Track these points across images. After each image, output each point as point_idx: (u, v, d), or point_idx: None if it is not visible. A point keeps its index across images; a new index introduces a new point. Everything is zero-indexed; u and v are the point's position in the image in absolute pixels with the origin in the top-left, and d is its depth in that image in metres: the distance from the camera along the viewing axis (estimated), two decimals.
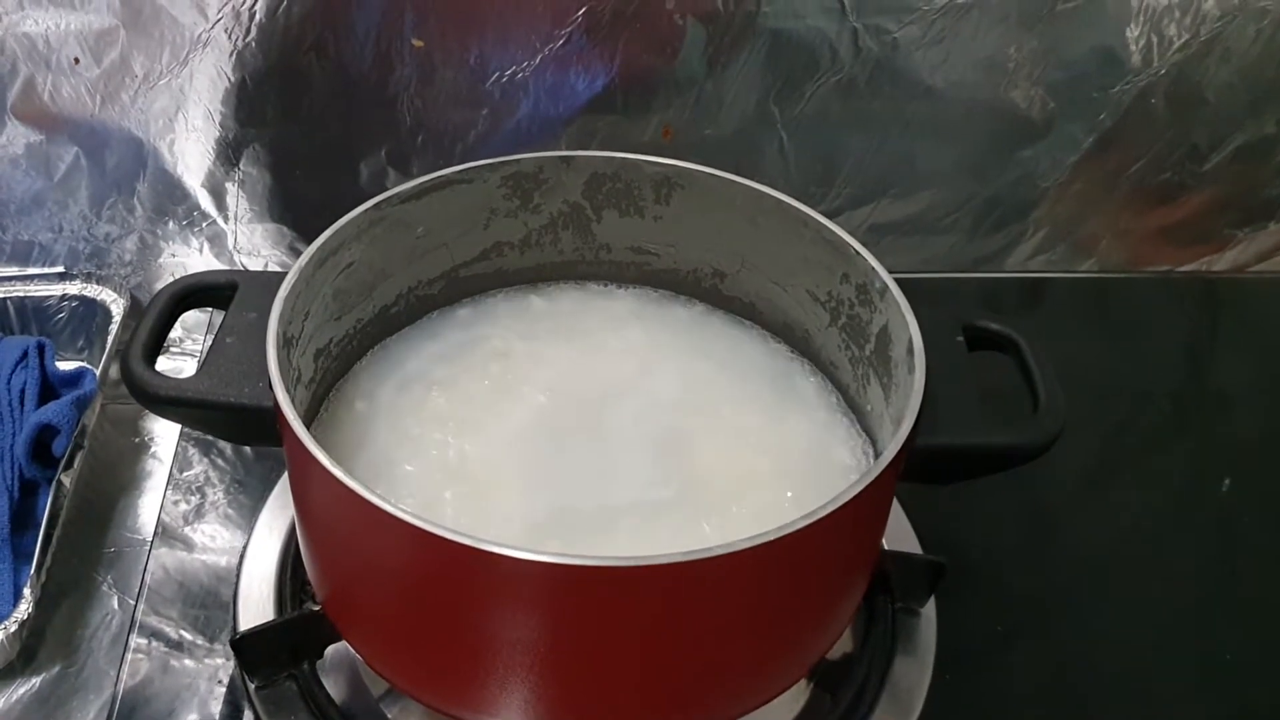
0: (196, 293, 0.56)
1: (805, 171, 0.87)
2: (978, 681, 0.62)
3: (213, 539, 0.68)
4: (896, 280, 0.54)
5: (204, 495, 0.71)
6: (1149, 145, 0.89)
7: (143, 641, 0.62)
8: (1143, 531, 0.72)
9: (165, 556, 0.67)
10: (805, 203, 0.58)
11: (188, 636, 0.63)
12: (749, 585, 0.45)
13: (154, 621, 0.63)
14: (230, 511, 0.70)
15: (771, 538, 0.42)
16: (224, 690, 0.60)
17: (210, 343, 0.53)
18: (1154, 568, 0.70)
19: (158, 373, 0.51)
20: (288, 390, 0.46)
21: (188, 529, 0.69)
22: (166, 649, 0.62)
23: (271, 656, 0.55)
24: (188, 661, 0.61)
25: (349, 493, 0.42)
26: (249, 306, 0.54)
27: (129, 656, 0.61)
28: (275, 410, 0.46)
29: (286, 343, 0.51)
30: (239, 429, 0.53)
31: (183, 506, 0.70)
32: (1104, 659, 0.64)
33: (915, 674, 0.59)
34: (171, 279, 0.56)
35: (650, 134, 0.84)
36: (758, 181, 0.59)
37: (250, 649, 0.54)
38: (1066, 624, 0.66)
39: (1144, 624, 0.66)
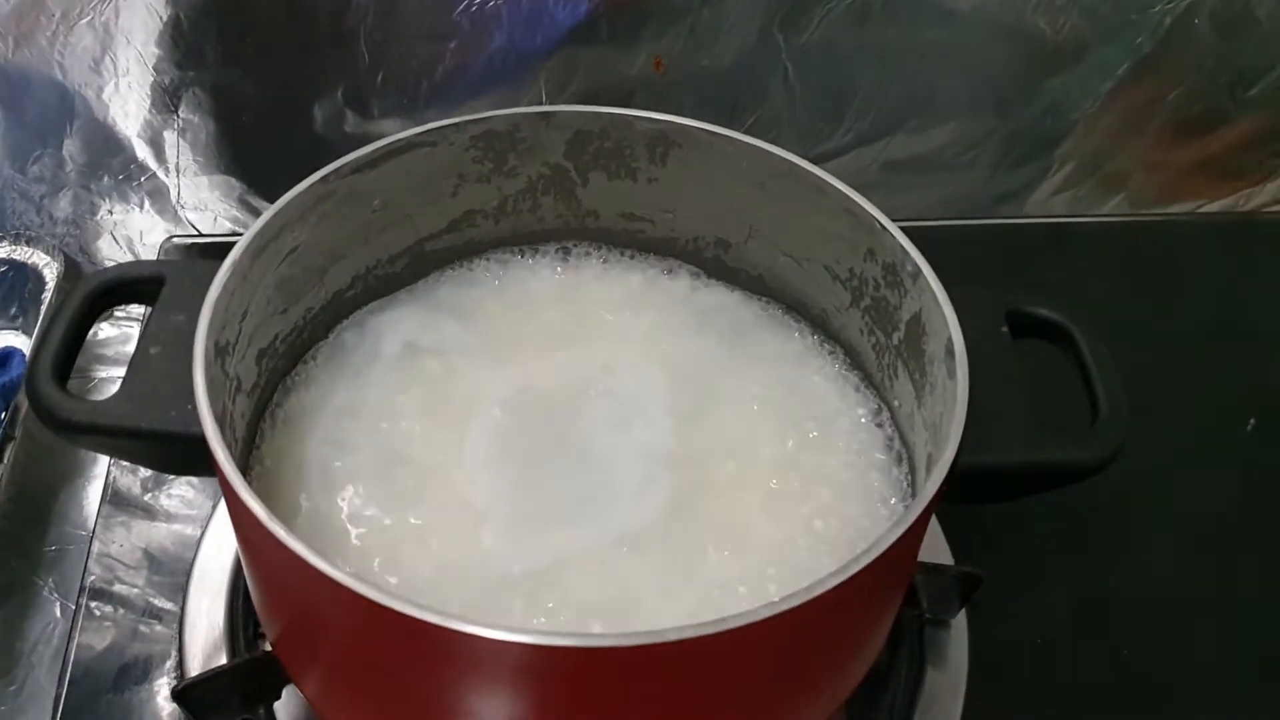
0: (118, 289, 0.49)
1: (812, 106, 0.81)
2: (1015, 695, 0.57)
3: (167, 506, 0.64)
4: (906, 228, 0.48)
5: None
6: (1190, 71, 0.83)
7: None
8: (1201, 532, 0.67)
9: (117, 529, 0.62)
10: (813, 139, 0.52)
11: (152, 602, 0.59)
12: (779, 648, 0.39)
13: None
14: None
15: (804, 599, 0.35)
16: None
17: (133, 353, 0.45)
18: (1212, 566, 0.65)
19: (70, 394, 0.44)
20: (220, 429, 0.38)
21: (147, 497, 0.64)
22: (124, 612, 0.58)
23: (222, 703, 0.49)
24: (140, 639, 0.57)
25: (293, 556, 0.36)
26: (176, 306, 0.46)
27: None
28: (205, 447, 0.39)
29: (220, 352, 0.44)
30: (169, 459, 0.46)
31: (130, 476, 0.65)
32: (1147, 662, 0.60)
33: (948, 690, 0.55)
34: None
35: (640, 66, 0.78)
36: (760, 117, 0.52)
37: (197, 699, 0.48)
38: (1107, 627, 0.62)
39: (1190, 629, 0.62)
